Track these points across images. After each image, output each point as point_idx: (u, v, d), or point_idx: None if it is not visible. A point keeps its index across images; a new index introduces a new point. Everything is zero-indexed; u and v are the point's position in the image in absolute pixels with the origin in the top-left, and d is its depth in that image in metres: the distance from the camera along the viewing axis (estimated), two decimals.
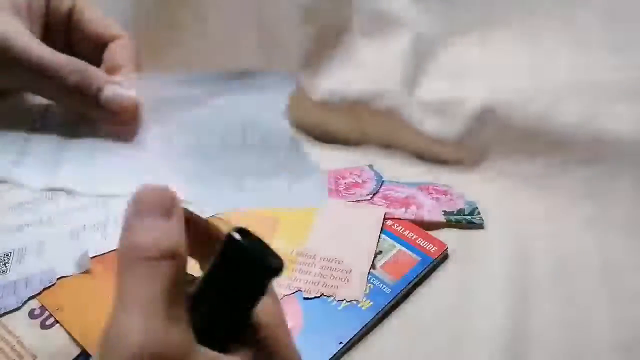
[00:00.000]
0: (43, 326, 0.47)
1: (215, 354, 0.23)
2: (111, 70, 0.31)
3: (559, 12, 0.62)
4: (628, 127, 0.58)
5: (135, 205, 0.24)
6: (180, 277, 0.23)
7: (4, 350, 0.45)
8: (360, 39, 0.67)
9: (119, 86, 0.29)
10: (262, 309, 0.26)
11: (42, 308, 0.49)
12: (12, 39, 0.28)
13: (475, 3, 0.65)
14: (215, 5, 0.70)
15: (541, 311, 0.50)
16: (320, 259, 0.53)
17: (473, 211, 0.59)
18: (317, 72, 0.68)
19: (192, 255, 0.27)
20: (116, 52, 0.32)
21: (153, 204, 0.24)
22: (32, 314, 0.48)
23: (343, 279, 0.51)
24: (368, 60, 0.67)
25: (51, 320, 0.48)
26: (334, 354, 0.46)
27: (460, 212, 0.59)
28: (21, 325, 0.48)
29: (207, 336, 0.24)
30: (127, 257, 0.23)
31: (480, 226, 0.58)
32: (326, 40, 0.67)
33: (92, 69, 0.29)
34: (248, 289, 0.24)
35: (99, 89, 0.29)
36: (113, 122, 0.30)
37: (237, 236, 0.24)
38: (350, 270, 0.52)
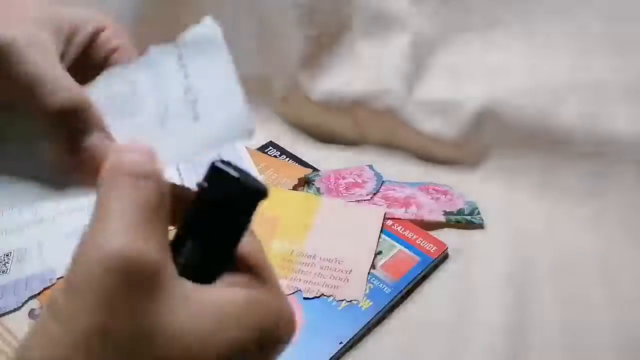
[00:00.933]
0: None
1: (193, 286, 0.23)
2: (109, 53, 0.30)
3: (559, 12, 0.62)
4: (628, 127, 0.58)
5: (114, 160, 0.24)
6: (162, 201, 0.23)
7: (4, 350, 0.45)
8: (360, 39, 0.67)
9: (108, 139, 0.26)
10: (244, 243, 0.25)
11: (42, 308, 0.49)
12: (18, 47, 0.25)
13: (475, 3, 0.65)
14: (214, 5, 0.70)
15: (541, 311, 0.50)
16: (320, 259, 0.53)
17: (473, 211, 0.59)
18: (317, 72, 0.68)
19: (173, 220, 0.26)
20: (111, 37, 0.30)
21: (132, 160, 0.24)
22: (32, 314, 0.49)
23: (343, 279, 0.51)
24: (368, 60, 0.67)
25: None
26: (334, 354, 0.46)
27: (460, 212, 0.59)
28: (21, 325, 0.48)
29: (194, 271, 0.24)
30: (110, 173, 0.23)
31: (480, 226, 0.58)
32: (326, 40, 0.67)
33: (93, 109, 0.26)
34: (237, 215, 0.24)
35: (88, 128, 0.26)
36: (83, 175, 0.26)
37: (220, 164, 0.24)
38: (350, 270, 0.52)
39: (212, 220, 0.24)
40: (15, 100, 0.26)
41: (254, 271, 0.25)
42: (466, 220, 0.58)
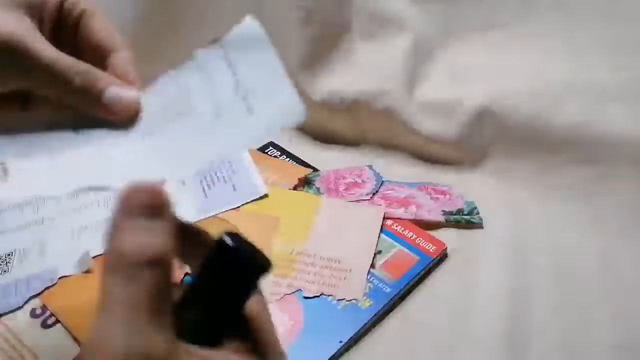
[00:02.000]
0: (44, 325, 0.48)
1: (204, 352, 0.24)
2: (78, 18, 0.33)
3: (558, 12, 0.62)
4: (627, 127, 0.58)
5: (122, 204, 0.23)
6: (165, 282, 0.23)
7: (5, 350, 0.46)
8: (360, 40, 0.67)
9: (121, 87, 0.31)
10: (250, 302, 0.26)
11: (44, 308, 0.49)
12: (23, 39, 0.29)
13: (474, 4, 0.65)
14: (214, 5, 0.70)
15: (541, 311, 0.50)
16: (320, 258, 0.53)
17: (472, 211, 0.59)
18: (317, 72, 0.68)
19: (182, 258, 0.28)
20: (118, 65, 0.33)
21: (141, 203, 0.23)
22: (33, 314, 0.49)
23: (343, 278, 0.51)
24: (368, 60, 0.67)
25: (52, 319, 0.48)
26: (334, 354, 0.46)
27: (459, 211, 0.59)
28: (22, 324, 0.48)
29: (199, 335, 0.24)
30: (112, 260, 0.23)
31: (479, 226, 0.58)
32: (326, 41, 0.67)
33: (95, 70, 0.31)
34: (239, 288, 0.25)
35: (102, 90, 0.30)
36: (114, 121, 0.31)
37: (227, 240, 0.25)
38: (350, 270, 0.52)
39: (217, 288, 0.25)
40: (29, 87, 0.30)
41: (250, 335, 0.26)
42: (465, 220, 0.58)
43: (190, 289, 0.25)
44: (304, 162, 0.66)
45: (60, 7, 0.33)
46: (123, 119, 0.31)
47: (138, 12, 0.70)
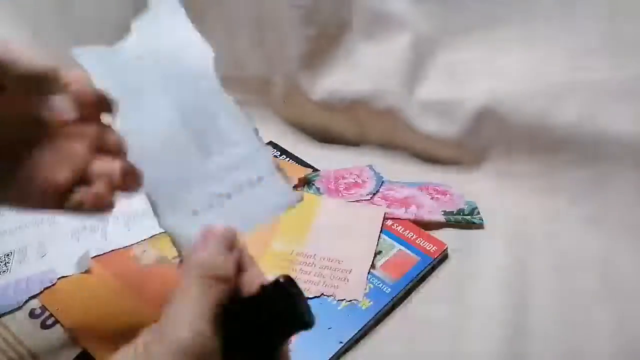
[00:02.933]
0: (44, 326, 0.48)
1: None
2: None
3: (558, 12, 0.62)
4: (628, 127, 0.58)
5: (210, 232, 0.32)
6: (225, 299, 0.30)
7: (5, 350, 0.45)
8: (360, 40, 0.67)
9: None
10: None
11: (43, 308, 0.49)
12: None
13: (474, 3, 0.65)
14: (215, 5, 0.70)
15: (541, 310, 0.50)
16: (321, 259, 0.53)
17: (472, 211, 0.59)
18: (317, 72, 0.68)
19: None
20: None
21: (224, 237, 0.32)
22: (32, 314, 0.49)
23: (343, 279, 0.51)
24: (368, 60, 0.67)
25: (52, 320, 0.48)
26: (334, 354, 0.46)
27: (460, 211, 0.59)
28: (22, 325, 0.48)
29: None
30: (193, 269, 0.30)
31: (480, 226, 0.58)
32: (326, 41, 0.67)
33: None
34: (281, 333, 0.30)
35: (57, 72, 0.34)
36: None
37: (289, 285, 0.29)
38: (350, 270, 0.52)
39: (260, 326, 0.29)
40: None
41: None
42: (466, 220, 0.58)
43: (237, 315, 0.30)
44: (304, 162, 0.66)
45: None
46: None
47: (138, 13, 0.69)
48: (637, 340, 0.47)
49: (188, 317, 0.28)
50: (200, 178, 0.35)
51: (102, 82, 0.34)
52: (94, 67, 0.35)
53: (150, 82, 0.36)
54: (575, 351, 0.47)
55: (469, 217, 0.58)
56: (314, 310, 0.48)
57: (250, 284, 0.32)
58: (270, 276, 0.32)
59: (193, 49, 0.39)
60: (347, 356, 0.46)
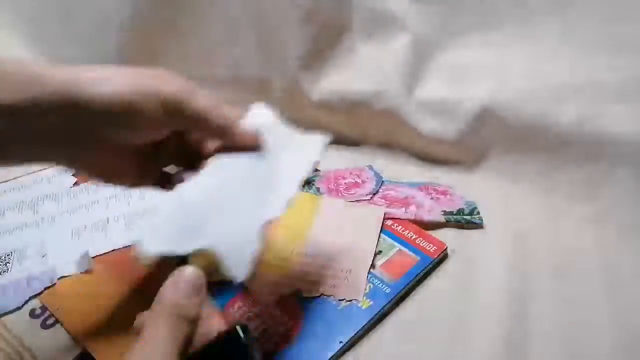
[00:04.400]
0: (44, 326, 0.48)
1: None
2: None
3: (558, 12, 0.62)
4: (628, 127, 0.58)
5: (179, 276, 0.34)
6: (191, 338, 0.32)
7: (5, 350, 0.46)
8: (360, 40, 0.67)
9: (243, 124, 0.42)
10: None
11: (43, 308, 0.49)
12: (187, 94, 0.39)
13: (474, 3, 0.65)
14: (214, 5, 0.70)
15: (541, 310, 0.50)
16: (320, 258, 0.53)
17: (472, 211, 0.59)
18: (317, 72, 0.68)
19: None
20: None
21: (191, 281, 0.34)
22: (33, 314, 0.49)
23: (343, 279, 0.51)
24: (368, 60, 0.67)
25: (52, 320, 0.48)
26: (334, 354, 0.46)
27: (460, 212, 0.59)
28: (22, 325, 0.48)
29: None
30: (166, 308, 0.32)
31: (479, 226, 0.58)
32: (326, 41, 0.67)
33: (228, 110, 0.41)
34: None
35: (234, 127, 0.41)
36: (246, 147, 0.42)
37: (240, 329, 0.32)
38: (350, 270, 0.52)
39: None
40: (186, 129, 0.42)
41: None
42: (466, 220, 0.58)
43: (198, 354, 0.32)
44: None
45: None
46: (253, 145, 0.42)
47: (138, 13, 0.70)
48: (638, 340, 0.47)
49: (157, 356, 0.30)
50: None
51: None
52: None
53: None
54: (575, 351, 0.47)
55: (469, 217, 0.58)
56: (313, 310, 0.48)
57: (208, 328, 0.36)
58: (222, 328, 0.36)
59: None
60: (347, 356, 0.46)
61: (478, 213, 0.59)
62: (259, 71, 0.72)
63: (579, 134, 0.59)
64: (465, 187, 0.62)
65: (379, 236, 0.55)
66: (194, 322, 0.33)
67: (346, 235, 0.55)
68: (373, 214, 0.58)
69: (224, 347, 0.32)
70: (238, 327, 0.32)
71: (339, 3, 0.66)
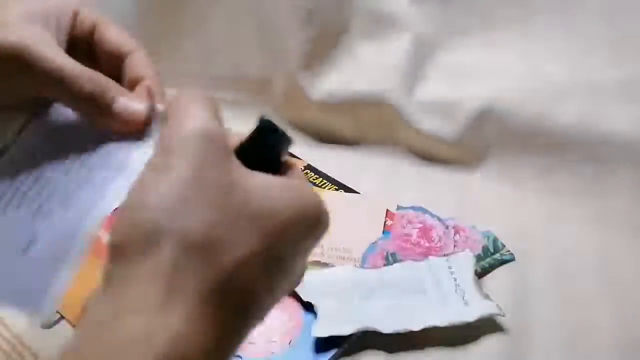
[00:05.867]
0: (44, 325, 0.47)
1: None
2: (134, 82, 0.33)
3: (558, 12, 0.62)
4: (628, 127, 0.58)
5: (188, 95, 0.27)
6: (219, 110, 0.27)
7: (5, 349, 0.45)
8: (360, 40, 0.67)
9: (131, 99, 0.32)
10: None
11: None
12: (32, 49, 0.30)
13: (474, 4, 0.65)
14: (215, 6, 0.70)
15: (541, 310, 0.50)
16: (329, 248, 0.54)
17: (497, 245, 0.55)
18: (317, 72, 0.68)
19: None
20: (135, 65, 0.34)
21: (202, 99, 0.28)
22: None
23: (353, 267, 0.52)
24: (368, 60, 0.67)
25: (53, 319, 0.48)
26: (334, 354, 0.46)
27: (486, 252, 0.54)
28: (22, 324, 0.48)
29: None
30: (185, 94, 0.27)
31: (512, 259, 0.54)
32: (326, 41, 0.67)
33: (107, 80, 0.32)
34: (275, 149, 0.29)
35: (112, 99, 0.31)
36: (123, 132, 0.32)
37: (268, 121, 0.29)
38: (358, 259, 0.53)
39: (262, 146, 0.29)
40: (42, 94, 0.31)
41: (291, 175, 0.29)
42: (499, 261, 0.54)
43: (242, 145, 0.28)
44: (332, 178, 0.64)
45: (74, 20, 0.34)
46: (132, 130, 0.31)
47: (138, 14, 0.70)
48: (637, 340, 0.47)
49: (199, 113, 0.26)
50: None
51: None
52: None
53: None
54: (575, 351, 0.47)
55: (499, 255, 0.54)
56: (313, 310, 0.48)
57: None
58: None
59: None
60: (347, 356, 0.46)
61: (504, 246, 0.55)
62: (259, 71, 0.72)
63: (579, 134, 0.59)
64: (465, 187, 0.62)
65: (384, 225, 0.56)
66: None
67: (353, 226, 0.56)
68: (375, 206, 0.58)
69: (267, 138, 0.29)
70: (264, 118, 0.29)
71: (339, 3, 0.66)
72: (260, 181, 0.25)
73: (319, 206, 0.26)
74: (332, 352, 0.45)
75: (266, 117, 0.29)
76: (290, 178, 0.28)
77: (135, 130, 0.32)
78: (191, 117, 0.25)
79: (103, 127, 0.32)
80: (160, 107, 0.32)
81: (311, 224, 0.26)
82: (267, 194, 0.25)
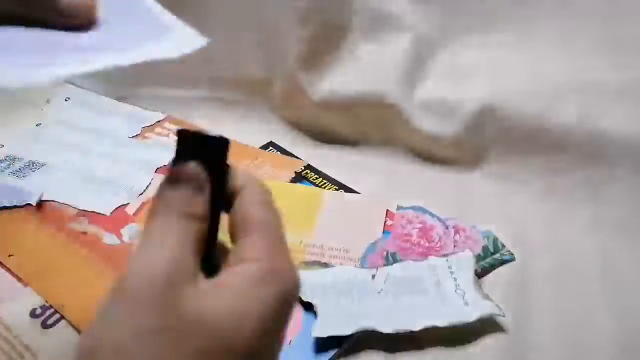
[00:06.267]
0: (44, 325, 0.47)
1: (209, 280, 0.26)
2: None
3: (558, 12, 0.62)
4: (627, 127, 0.58)
5: (177, 170, 0.28)
6: (203, 238, 0.27)
7: (5, 350, 0.45)
8: (360, 40, 0.67)
9: None
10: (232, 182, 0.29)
11: (44, 307, 0.49)
12: None
13: (474, 3, 0.65)
14: (215, 6, 0.70)
15: (541, 312, 0.50)
16: (329, 248, 0.54)
17: (497, 245, 0.55)
18: (317, 72, 0.68)
19: None
20: None
21: (192, 177, 0.28)
22: (33, 314, 0.49)
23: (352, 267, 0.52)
24: (368, 60, 0.67)
25: (52, 319, 0.48)
26: (334, 354, 0.46)
27: (486, 252, 0.54)
28: (22, 324, 0.48)
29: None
30: (166, 205, 0.27)
31: (512, 259, 0.54)
32: (326, 41, 0.67)
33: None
34: (213, 165, 0.28)
35: None
36: (70, 26, 0.32)
37: (182, 132, 0.28)
38: (358, 259, 0.53)
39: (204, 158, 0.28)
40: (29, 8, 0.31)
41: (247, 224, 0.28)
42: (499, 261, 0.54)
43: None
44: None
45: None
46: (76, 22, 0.32)
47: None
48: (637, 341, 0.47)
49: (166, 252, 0.25)
50: None
51: None
52: None
53: None
54: (575, 351, 0.47)
55: (499, 255, 0.54)
56: (313, 310, 0.48)
57: None
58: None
59: None
60: (347, 356, 0.46)
61: (504, 246, 0.55)
62: (259, 71, 0.72)
63: (579, 134, 0.59)
64: (465, 187, 0.62)
65: (384, 225, 0.56)
66: (203, 221, 0.27)
67: (351, 227, 0.56)
68: (375, 207, 0.58)
69: (186, 154, 0.28)
70: (180, 130, 0.28)
71: (339, 3, 0.66)
72: (204, 311, 0.24)
73: (265, 301, 0.25)
74: (332, 352, 0.45)
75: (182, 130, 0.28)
76: (230, 276, 0.26)
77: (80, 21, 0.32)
78: (152, 262, 0.25)
79: (50, 23, 0.31)
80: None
81: (265, 316, 0.25)
82: (217, 326, 0.24)
